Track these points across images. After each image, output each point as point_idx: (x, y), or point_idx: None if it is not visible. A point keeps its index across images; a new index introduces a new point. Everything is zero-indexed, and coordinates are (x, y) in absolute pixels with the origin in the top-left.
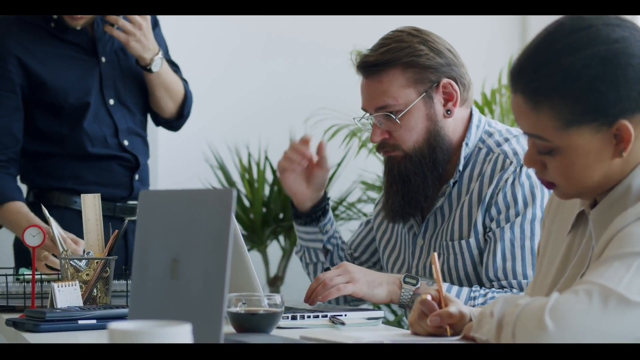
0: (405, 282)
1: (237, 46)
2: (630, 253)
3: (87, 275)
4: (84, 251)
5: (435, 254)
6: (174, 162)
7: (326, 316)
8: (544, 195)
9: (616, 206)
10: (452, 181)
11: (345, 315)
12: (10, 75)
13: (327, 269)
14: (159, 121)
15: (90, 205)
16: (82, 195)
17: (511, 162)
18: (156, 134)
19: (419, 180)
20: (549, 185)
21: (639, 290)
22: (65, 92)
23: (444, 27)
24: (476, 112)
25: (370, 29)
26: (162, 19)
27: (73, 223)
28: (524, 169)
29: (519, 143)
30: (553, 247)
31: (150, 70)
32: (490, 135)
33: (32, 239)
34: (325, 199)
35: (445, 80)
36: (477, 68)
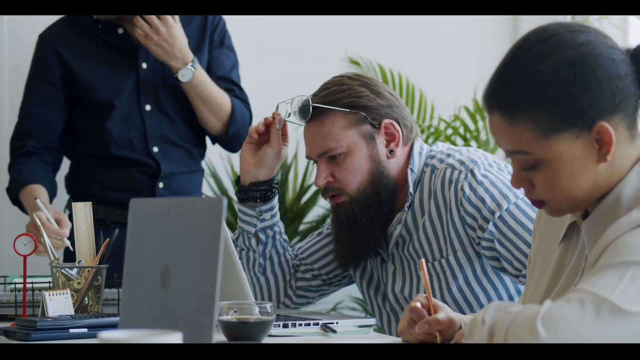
0: None
1: None
2: (624, 262)
3: (79, 283)
4: (75, 259)
5: (423, 261)
6: None
7: (317, 324)
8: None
9: (608, 216)
10: (406, 206)
11: (337, 323)
12: (50, 67)
13: None
14: (212, 139)
15: (82, 213)
16: (73, 203)
17: (460, 172)
18: None
19: (366, 222)
20: (539, 204)
21: (632, 299)
22: (95, 88)
23: (436, 35)
24: (418, 141)
25: (364, 36)
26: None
27: (96, 232)
28: (476, 170)
29: (462, 155)
30: (544, 257)
31: (178, 79)
32: (432, 157)
33: (23, 247)
34: (268, 183)
35: (386, 121)
36: (469, 75)
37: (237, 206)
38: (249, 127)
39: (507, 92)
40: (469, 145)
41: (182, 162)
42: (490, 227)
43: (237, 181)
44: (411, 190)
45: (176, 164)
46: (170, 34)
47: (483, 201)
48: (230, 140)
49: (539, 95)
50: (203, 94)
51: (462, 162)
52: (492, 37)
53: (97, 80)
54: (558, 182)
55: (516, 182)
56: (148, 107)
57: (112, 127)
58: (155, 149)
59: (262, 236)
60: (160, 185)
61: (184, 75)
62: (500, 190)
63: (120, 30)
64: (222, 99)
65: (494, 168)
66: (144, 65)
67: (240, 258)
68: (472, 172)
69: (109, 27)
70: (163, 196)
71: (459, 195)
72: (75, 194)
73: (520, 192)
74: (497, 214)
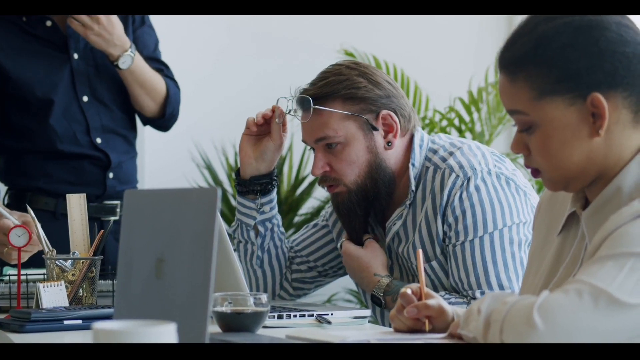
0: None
1: (224, 45)
2: (624, 253)
3: (73, 275)
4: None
5: (420, 251)
6: (160, 161)
7: (312, 315)
8: (511, 203)
9: (608, 206)
10: (407, 202)
11: (332, 314)
12: None
13: None
14: (145, 120)
15: (76, 205)
16: (67, 195)
17: (457, 176)
18: (143, 133)
19: (362, 213)
20: (535, 172)
21: (631, 291)
22: (31, 86)
23: (432, 27)
24: (418, 132)
25: (359, 28)
26: (150, 18)
27: (44, 224)
28: (472, 181)
29: (463, 155)
30: (543, 248)
31: (118, 67)
32: (435, 152)
33: (17, 239)
34: (268, 176)
35: (384, 112)
36: (464, 66)
37: (231, 198)
38: (179, 105)
39: (510, 50)
40: (464, 137)
41: (122, 150)
42: (457, 244)
43: (237, 174)
44: (413, 187)
45: (120, 152)
46: (110, 22)
47: (464, 215)
48: (166, 120)
49: (537, 54)
50: (140, 79)
51: (461, 166)
52: (488, 28)
53: (32, 76)
54: (548, 147)
55: (515, 145)
56: (85, 98)
57: (54, 123)
58: (99, 140)
59: (261, 229)
60: (111, 175)
61: (124, 62)
62: (484, 212)
63: (48, 23)
64: (158, 82)
65: (491, 176)
66: (75, 56)
67: (237, 250)
68: (468, 180)
69: (35, 20)
70: (113, 187)
71: (449, 201)
72: (19, 187)
73: (509, 219)
74: (469, 237)
